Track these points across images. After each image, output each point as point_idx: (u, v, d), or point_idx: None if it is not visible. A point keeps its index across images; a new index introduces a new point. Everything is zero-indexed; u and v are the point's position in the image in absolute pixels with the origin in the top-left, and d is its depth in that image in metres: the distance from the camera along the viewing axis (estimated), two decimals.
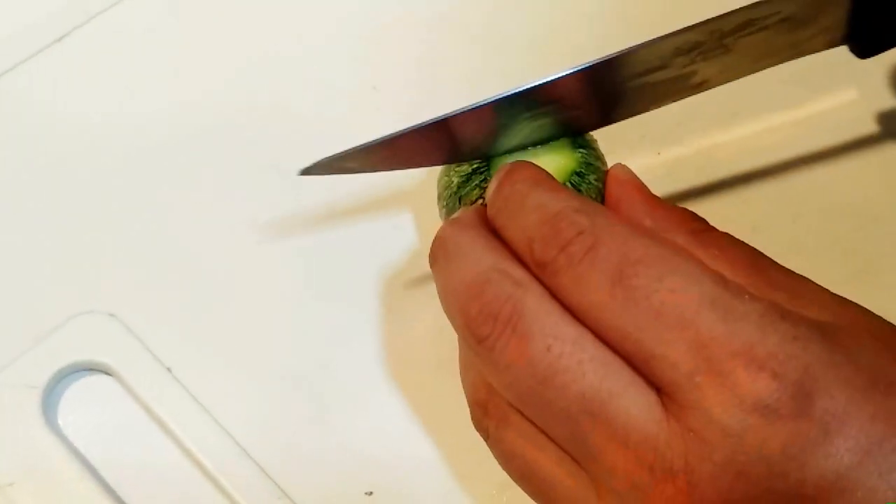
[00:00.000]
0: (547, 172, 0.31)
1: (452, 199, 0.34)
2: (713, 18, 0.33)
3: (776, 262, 0.31)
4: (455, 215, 0.32)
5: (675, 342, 0.26)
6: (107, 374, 0.37)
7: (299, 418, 0.36)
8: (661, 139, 0.43)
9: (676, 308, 0.27)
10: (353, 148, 0.33)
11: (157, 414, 0.36)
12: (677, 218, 0.31)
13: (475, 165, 0.34)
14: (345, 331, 0.38)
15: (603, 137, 0.43)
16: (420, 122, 0.33)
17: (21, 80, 0.44)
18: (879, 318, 0.29)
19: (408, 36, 0.45)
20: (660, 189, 0.41)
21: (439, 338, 0.38)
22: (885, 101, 0.44)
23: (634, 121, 0.43)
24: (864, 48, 0.38)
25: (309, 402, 0.37)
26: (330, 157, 0.33)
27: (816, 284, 0.30)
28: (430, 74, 0.44)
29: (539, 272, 0.29)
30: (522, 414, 0.29)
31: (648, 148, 0.42)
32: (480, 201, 0.33)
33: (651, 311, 0.27)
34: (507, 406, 0.29)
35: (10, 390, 0.36)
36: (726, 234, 0.31)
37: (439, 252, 0.31)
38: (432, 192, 0.36)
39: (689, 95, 0.36)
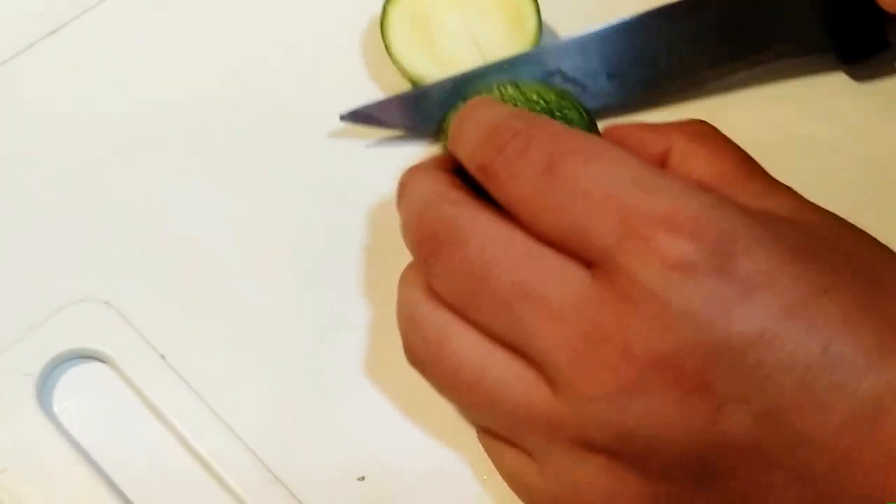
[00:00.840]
0: (495, 100, 0.36)
1: None
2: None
3: (763, 172, 0.33)
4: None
5: (601, 215, 0.28)
6: (101, 361, 0.37)
7: (292, 405, 0.37)
8: None
9: (602, 186, 0.29)
10: (390, 98, 0.38)
11: (152, 401, 0.36)
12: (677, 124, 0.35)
13: None
14: (338, 318, 0.38)
15: None
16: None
17: (15, 71, 0.44)
18: (858, 231, 0.31)
19: None
20: None
21: None
22: (880, 104, 0.44)
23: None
24: (846, 54, 0.40)
25: (302, 389, 0.37)
26: (368, 106, 0.39)
27: (795, 195, 0.32)
28: None
29: (481, 177, 0.32)
30: (466, 318, 0.31)
31: None
32: None
33: (578, 192, 0.29)
34: (448, 322, 0.31)
35: (4, 377, 0.36)
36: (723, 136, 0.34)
37: (398, 189, 0.35)
38: None
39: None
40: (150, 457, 0.36)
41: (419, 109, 0.40)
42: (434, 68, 0.41)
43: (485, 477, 0.35)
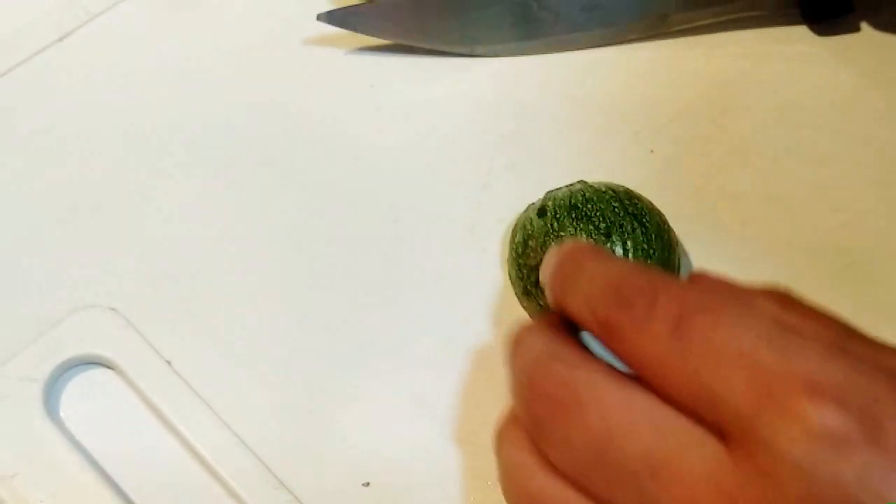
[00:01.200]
0: (597, 245, 0.33)
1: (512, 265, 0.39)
2: None
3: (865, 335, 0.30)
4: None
5: (736, 381, 0.26)
6: (108, 367, 0.37)
7: (297, 410, 0.37)
8: (653, 136, 0.43)
9: (735, 348, 0.26)
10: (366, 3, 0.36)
11: (158, 406, 0.36)
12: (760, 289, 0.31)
13: (528, 231, 0.38)
14: (342, 323, 0.39)
15: (595, 135, 0.43)
16: None
17: (22, 79, 0.44)
18: None
19: None
20: (653, 187, 0.41)
21: (436, 330, 0.38)
22: (874, 101, 0.44)
23: (626, 118, 0.44)
24: (813, 14, 0.41)
25: (307, 394, 0.37)
26: (344, 9, 0.37)
27: None
28: None
29: (602, 334, 0.29)
30: (586, 491, 0.28)
31: (641, 145, 0.43)
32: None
33: (709, 354, 0.27)
34: (564, 496, 0.29)
35: (12, 383, 0.36)
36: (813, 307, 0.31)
37: (507, 348, 0.32)
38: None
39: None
40: (156, 462, 0.36)
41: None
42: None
43: (489, 483, 0.36)
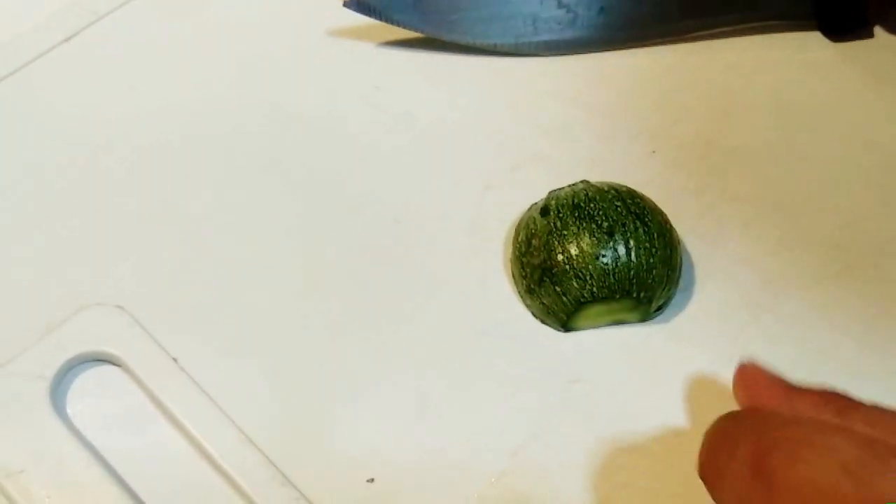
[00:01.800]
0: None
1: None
2: None
3: None
4: None
5: None
6: (114, 364, 0.38)
7: (302, 407, 0.37)
8: (656, 138, 0.43)
9: (814, 481, 0.27)
10: None
11: (164, 403, 0.37)
12: (817, 400, 0.32)
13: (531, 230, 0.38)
14: (347, 322, 0.39)
15: (598, 135, 0.44)
16: None
17: (30, 78, 0.44)
18: None
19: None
20: (655, 187, 0.42)
21: (439, 328, 0.39)
22: (876, 104, 0.45)
23: (630, 119, 0.44)
24: (830, 29, 0.41)
25: (312, 392, 0.37)
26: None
27: None
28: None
29: (704, 482, 0.30)
30: None
31: (644, 146, 0.43)
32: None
33: (790, 489, 0.27)
34: None
35: (19, 380, 0.37)
36: (874, 405, 0.31)
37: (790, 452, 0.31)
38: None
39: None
40: (162, 458, 0.36)
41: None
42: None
43: (492, 479, 0.36)
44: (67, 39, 0.45)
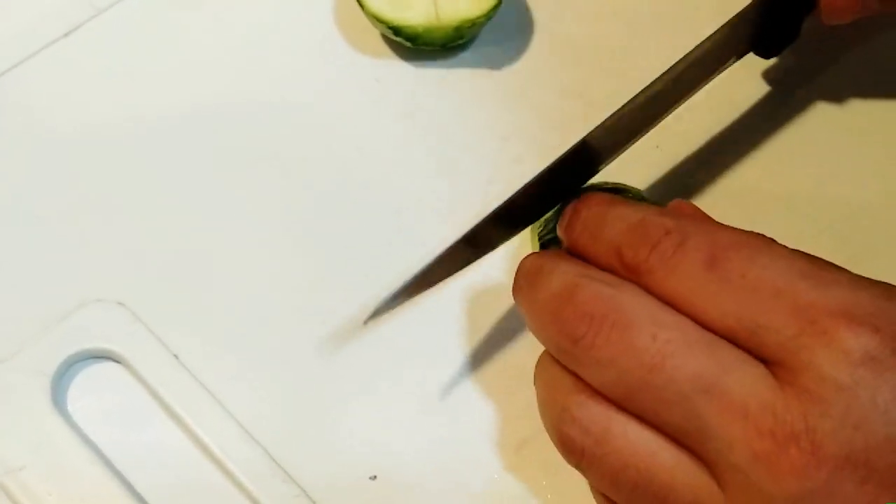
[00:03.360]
0: (615, 195, 0.34)
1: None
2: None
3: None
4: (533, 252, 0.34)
5: (776, 310, 0.28)
6: (115, 361, 0.37)
7: (304, 404, 0.37)
8: (659, 133, 0.43)
9: (771, 281, 0.28)
10: (400, 289, 0.34)
11: (165, 400, 0.36)
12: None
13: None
14: (350, 316, 0.39)
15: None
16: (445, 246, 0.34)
17: (28, 74, 0.44)
18: None
19: None
20: (658, 183, 0.42)
21: (442, 323, 0.39)
22: (873, 99, 0.45)
23: None
24: (767, 51, 0.40)
25: (314, 388, 0.37)
26: (385, 302, 0.34)
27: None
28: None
29: (630, 275, 0.30)
30: (628, 413, 0.29)
31: (647, 141, 0.43)
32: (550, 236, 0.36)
33: (747, 287, 0.28)
34: (607, 414, 0.29)
35: (20, 377, 0.36)
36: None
37: (523, 279, 0.33)
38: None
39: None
40: (164, 455, 0.36)
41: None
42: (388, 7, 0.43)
43: (495, 476, 0.36)
44: (67, 34, 0.45)
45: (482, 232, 0.34)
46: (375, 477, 0.36)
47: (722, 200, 0.41)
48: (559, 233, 0.34)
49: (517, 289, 0.33)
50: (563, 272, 0.31)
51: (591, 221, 0.32)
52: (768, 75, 0.45)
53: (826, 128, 0.44)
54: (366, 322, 0.34)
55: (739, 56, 0.39)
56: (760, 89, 0.45)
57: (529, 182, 0.35)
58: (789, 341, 0.27)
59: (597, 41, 0.46)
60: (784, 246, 0.29)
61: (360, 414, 0.37)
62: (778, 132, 0.44)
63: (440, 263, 0.34)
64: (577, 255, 0.32)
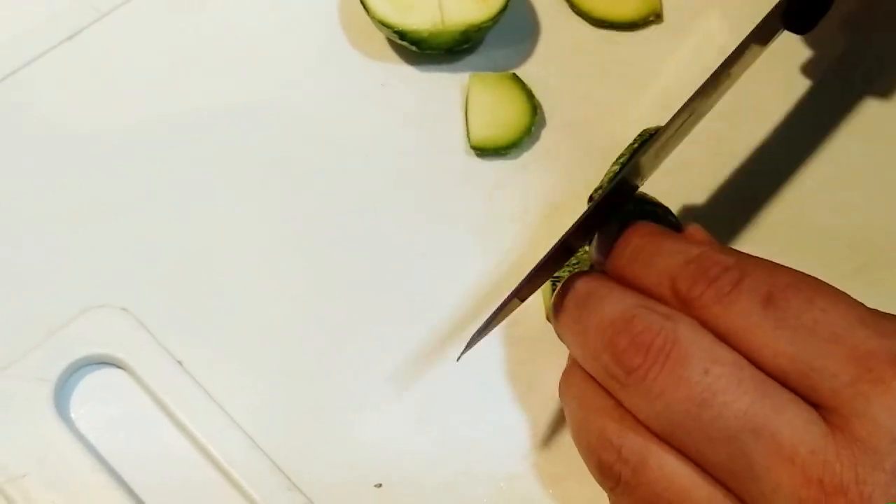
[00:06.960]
0: (673, 232, 0.33)
1: None
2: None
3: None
4: (574, 273, 0.33)
5: (833, 354, 0.27)
6: (118, 367, 0.37)
7: (308, 410, 0.37)
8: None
9: (830, 325, 0.27)
10: (490, 319, 0.34)
11: (168, 407, 0.36)
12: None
13: None
14: (354, 324, 0.38)
15: (605, 137, 0.43)
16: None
17: (32, 77, 0.44)
18: None
19: None
20: (664, 187, 0.41)
21: (448, 332, 0.38)
22: (886, 100, 0.44)
23: (637, 120, 0.43)
24: (801, 27, 0.39)
25: (318, 395, 0.37)
26: (476, 334, 0.34)
27: None
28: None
29: (682, 307, 0.30)
30: (670, 446, 0.28)
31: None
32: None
33: (805, 328, 0.28)
34: (646, 445, 0.29)
35: (22, 383, 0.36)
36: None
37: (570, 300, 0.32)
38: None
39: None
40: (167, 462, 0.36)
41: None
42: (394, 12, 0.43)
43: (501, 484, 0.36)
44: (70, 38, 0.45)
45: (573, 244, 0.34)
46: (381, 484, 0.35)
47: (731, 206, 0.41)
48: (595, 258, 0.33)
49: (562, 309, 0.32)
50: (619, 299, 0.30)
51: (642, 251, 0.32)
52: (776, 77, 0.45)
53: (837, 132, 0.43)
54: (458, 358, 0.34)
55: (772, 36, 0.38)
56: (766, 91, 0.44)
57: (587, 211, 0.34)
58: (844, 387, 0.26)
59: (603, 44, 0.46)
60: (843, 291, 0.29)
61: (365, 421, 0.37)
62: (786, 136, 0.43)
63: (526, 283, 0.33)
64: (622, 281, 0.32)
